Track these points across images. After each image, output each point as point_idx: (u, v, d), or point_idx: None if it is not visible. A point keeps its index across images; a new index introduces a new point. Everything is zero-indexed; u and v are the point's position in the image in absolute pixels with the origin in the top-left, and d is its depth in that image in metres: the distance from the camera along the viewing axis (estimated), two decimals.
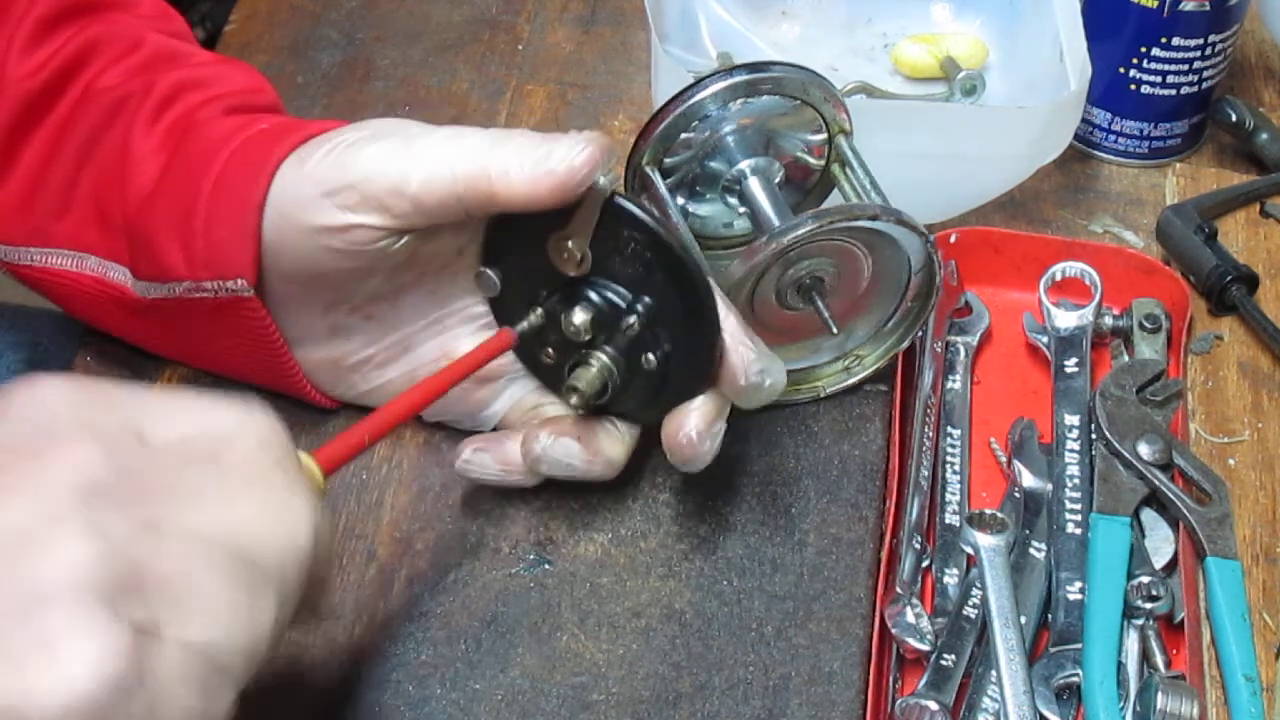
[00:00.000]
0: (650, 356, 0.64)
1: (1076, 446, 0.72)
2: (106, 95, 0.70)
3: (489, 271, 0.66)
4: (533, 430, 0.67)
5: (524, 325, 0.65)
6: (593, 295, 0.64)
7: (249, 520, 0.48)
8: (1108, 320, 0.77)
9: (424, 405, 0.62)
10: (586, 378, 0.65)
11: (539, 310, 0.65)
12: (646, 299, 0.64)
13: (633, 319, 0.64)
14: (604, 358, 0.65)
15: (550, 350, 0.67)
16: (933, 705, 0.62)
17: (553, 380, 0.69)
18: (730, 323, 0.64)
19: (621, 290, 0.64)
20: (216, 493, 0.48)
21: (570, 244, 0.63)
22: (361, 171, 0.62)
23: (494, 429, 0.71)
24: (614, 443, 0.67)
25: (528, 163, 0.60)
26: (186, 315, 0.67)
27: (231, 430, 0.50)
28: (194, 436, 0.49)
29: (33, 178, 0.70)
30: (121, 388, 0.50)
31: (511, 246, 0.66)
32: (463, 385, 0.65)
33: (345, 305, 0.67)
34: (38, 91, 0.70)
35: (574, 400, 0.65)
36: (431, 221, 0.63)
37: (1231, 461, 0.73)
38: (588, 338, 0.64)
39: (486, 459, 0.68)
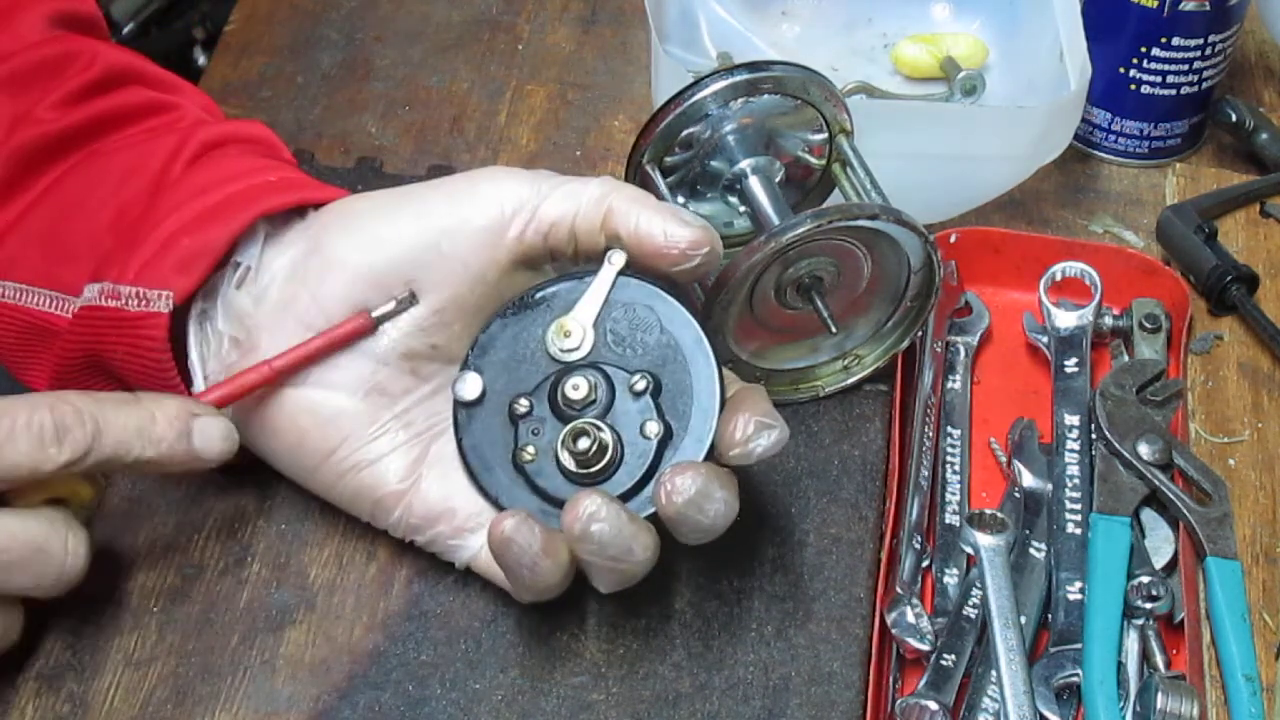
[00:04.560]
0: (650, 426, 0.62)
1: (1076, 446, 0.72)
2: (139, 137, 0.70)
3: (473, 373, 0.63)
4: (578, 496, 0.60)
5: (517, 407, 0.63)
6: (589, 372, 0.62)
7: None
8: (1108, 320, 0.77)
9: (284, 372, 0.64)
10: (585, 438, 0.61)
11: (524, 401, 0.63)
12: (648, 372, 0.62)
13: (637, 378, 0.62)
14: (600, 425, 0.62)
15: (530, 448, 0.62)
16: (933, 705, 0.63)
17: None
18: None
19: (622, 366, 0.63)
20: None
21: (571, 323, 0.63)
22: (553, 201, 0.64)
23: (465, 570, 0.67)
24: (649, 533, 0.61)
25: (665, 225, 0.63)
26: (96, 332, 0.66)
27: None
28: None
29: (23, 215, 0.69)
30: None
31: (500, 347, 0.64)
32: (452, 503, 0.64)
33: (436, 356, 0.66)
34: (64, 133, 0.70)
35: (567, 461, 0.61)
36: (567, 251, 0.64)
37: (1231, 461, 0.73)
38: (591, 400, 0.62)
39: (534, 534, 0.60)
